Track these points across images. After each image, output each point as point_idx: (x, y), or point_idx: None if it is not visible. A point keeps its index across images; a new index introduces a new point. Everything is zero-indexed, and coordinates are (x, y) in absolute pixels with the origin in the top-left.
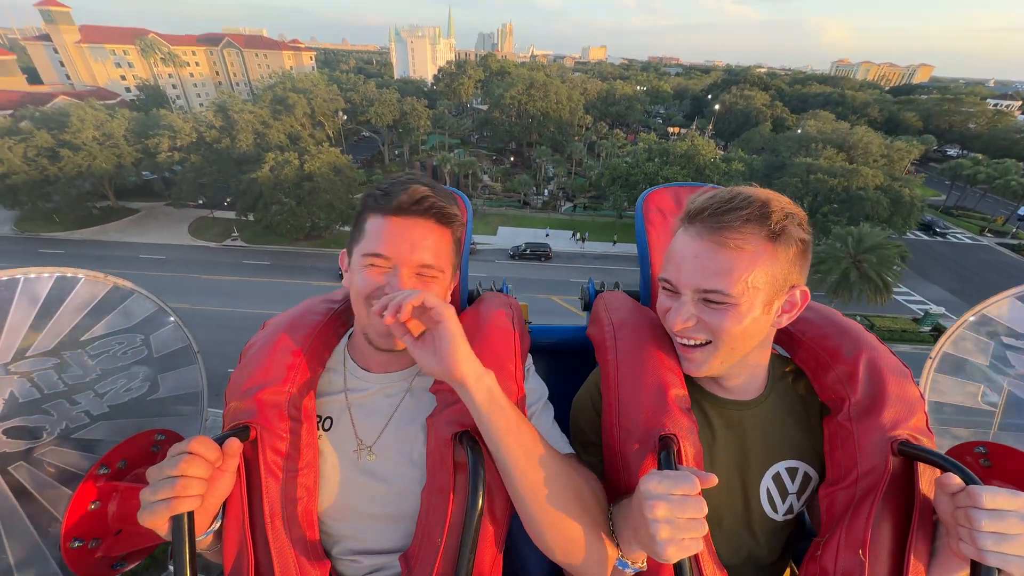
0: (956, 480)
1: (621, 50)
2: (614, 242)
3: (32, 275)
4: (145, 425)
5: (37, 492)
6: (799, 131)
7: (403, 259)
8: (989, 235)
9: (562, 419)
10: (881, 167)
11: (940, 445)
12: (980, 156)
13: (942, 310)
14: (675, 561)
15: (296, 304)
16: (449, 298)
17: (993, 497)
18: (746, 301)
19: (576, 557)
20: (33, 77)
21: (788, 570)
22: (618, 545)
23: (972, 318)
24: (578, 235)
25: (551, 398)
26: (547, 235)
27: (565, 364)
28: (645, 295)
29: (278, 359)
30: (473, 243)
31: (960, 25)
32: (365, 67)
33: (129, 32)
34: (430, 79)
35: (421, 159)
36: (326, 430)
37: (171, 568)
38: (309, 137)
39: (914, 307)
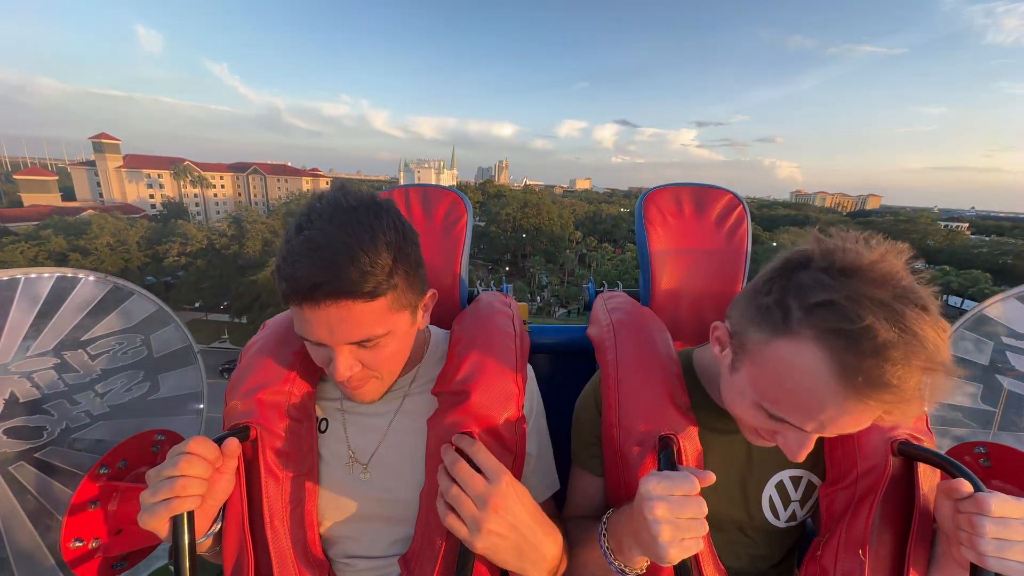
0: (965, 487)
1: (604, 181)
2: None
3: (32, 275)
4: (145, 425)
5: (37, 492)
6: (775, 244)
7: (331, 341)
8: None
9: (562, 419)
10: None
11: (940, 445)
12: (947, 267)
13: None
14: (677, 562)
15: None
16: (424, 318)
17: (1002, 505)
18: None
19: None
20: (68, 196)
21: (789, 572)
22: (606, 554)
23: (972, 318)
24: None
25: (551, 398)
26: None
27: (565, 364)
28: (645, 295)
29: (278, 359)
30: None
31: (895, 166)
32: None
33: (167, 160)
34: None
35: None
36: (323, 432)
37: (171, 569)
38: None
39: None
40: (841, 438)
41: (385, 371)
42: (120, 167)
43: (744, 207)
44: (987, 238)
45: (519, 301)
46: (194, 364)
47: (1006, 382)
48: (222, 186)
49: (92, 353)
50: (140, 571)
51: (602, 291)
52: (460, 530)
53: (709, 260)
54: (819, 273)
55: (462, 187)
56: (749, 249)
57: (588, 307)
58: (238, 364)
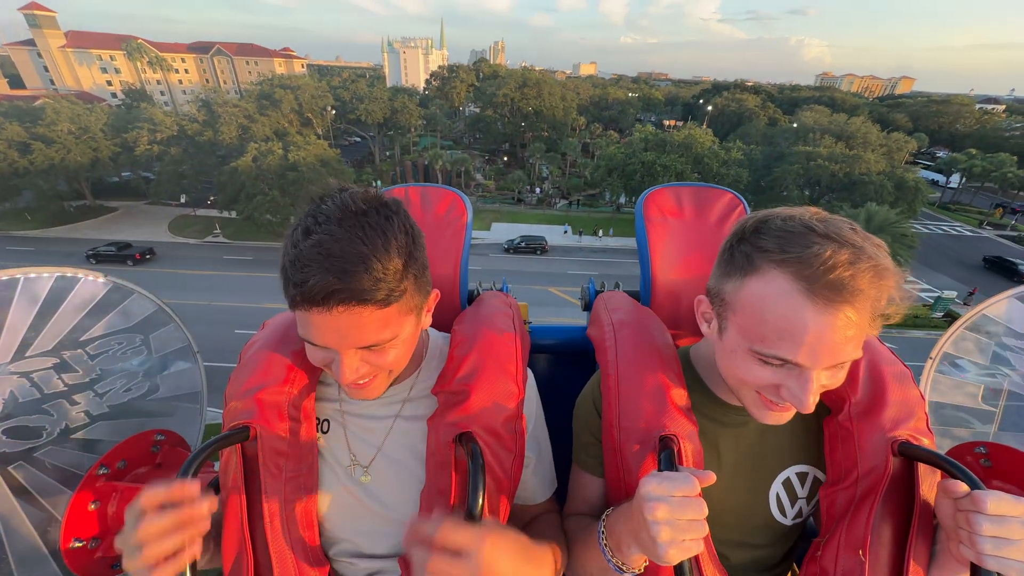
0: (962, 487)
1: (611, 66)
2: (599, 234)
3: (32, 275)
4: (145, 425)
5: (37, 492)
6: (795, 124)
7: (340, 346)
8: (988, 228)
9: (561, 420)
10: (881, 156)
11: (940, 445)
12: (973, 151)
13: (954, 295)
14: (676, 563)
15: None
16: (427, 317)
17: (998, 503)
18: None
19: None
20: (16, 84)
21: (791, 570)
22: (605, 552)
23: (972, 318)
24: (581, 232)
25: (551, 398)
26: (565, 232)
27: (565, 364)
28: (645, 295)
29: (278, 359)
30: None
31: (934, 44)
32: (358, 80)
33: (117, 39)
34: (422, 85)
35: (412, 159)
36: (323, 432)
37: None
38: (297, 134)
39: (923, 295)
40: (842, 438)
41: (389, 370)
42: (65, 46)
43: (744, 207)
44: (1021, 121)
45: (518, 191)
46: (194, 364)
47: (1006, 382)
48: (186, 71)
49: (92, 353)
50: None
51: (602, 291)
52: None
53: (709, 260)
54: (765, 223)
55: (453, 69)
56: None
57: (588, 307)
58: (239, 363)
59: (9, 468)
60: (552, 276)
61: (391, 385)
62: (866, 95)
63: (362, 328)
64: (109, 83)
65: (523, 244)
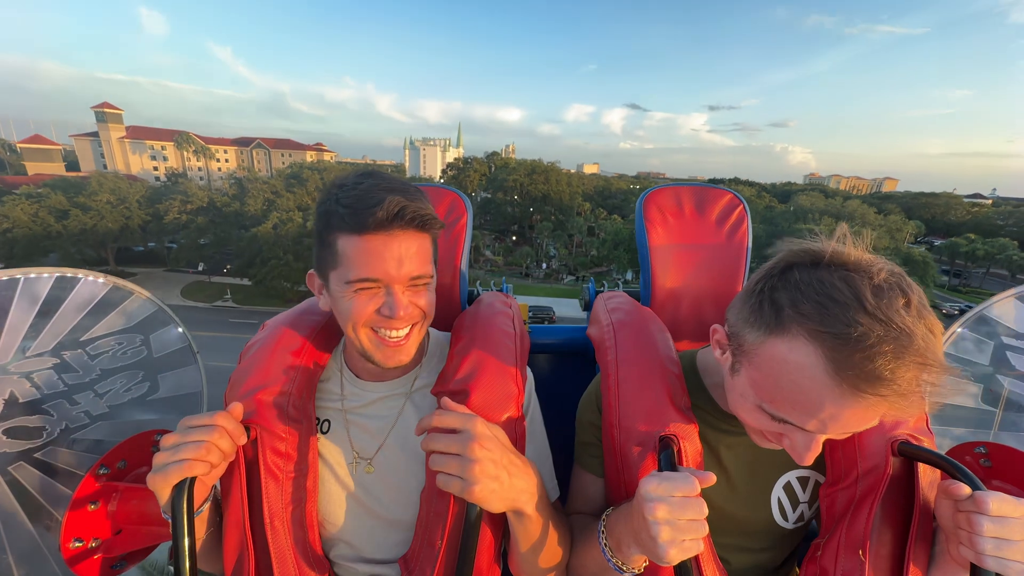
0: (964, 489)
1: (612, 167)
2: None
3: (32, 275)
4: (145, 425)
5: (37, 492)
6: (791, 208)
7: (394, 277)
8: None
9: (561, 420)
10: (883, 233)
11: (940, 445)
12: (972, 235)
13: None
14: (676, 563)
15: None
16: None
17: (999, 504)
18: None
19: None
20: (73, 168)
21: (793, 573)
22: (605, 552)
23: (972, 318)
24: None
25: (551, 398)
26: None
27: (565, 364)
28: (645, 295)
29: (278, 360)
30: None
31: (912, 151)
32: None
33: (170, 133)
34: (439, 178)
35: None
36: (324, 432)
37: (171, 569)
38: None
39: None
40: (841, 439)
41: (424, 319)
42: (123, 137)
43: (744, 207)
44: (1011, 212)
45: (526, 266)
46: (194, 364)
47: (1006, 382)
48: (226, 160)
49: (92, 353)
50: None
51: (602, 291)
52: (455, 487)
53: (709, 260)
54: (807, 271)
55: (468, 160)
56: (749, 249)
57: (588, 307)
58: (239, 365)
59: (9, 468)
60: None
61: (392, 380)
62: (854, 192)
63: (417, 255)
64: (156, 168)
65: (530, 314)
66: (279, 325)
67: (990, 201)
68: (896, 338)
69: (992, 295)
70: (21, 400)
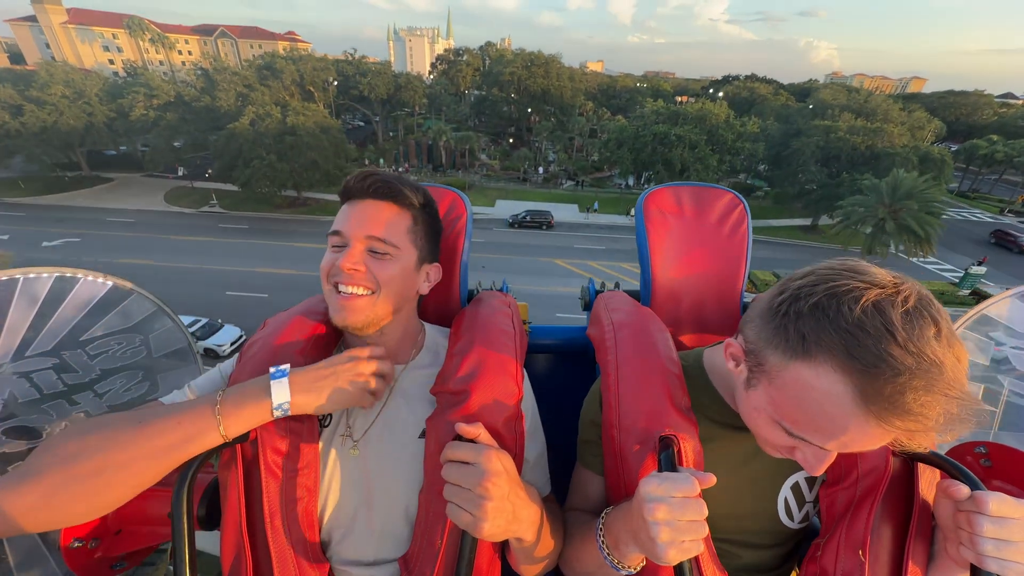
0: (963, 490)
1: (618, 65)
2: (629, 214)
3: (31, 275)
4: None
5: None
6: (811, 105)
7: (352, 233)
8: (1009, 215)
9: (561, 420)
10: (905, 130)
11: (940, 445)
12: (995, 137)
13: (983, 271)
14: (676, 563)
15: (277, 262)
16: (424, 285)
17: (1000, 504)
18: None
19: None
20: (18, 61)
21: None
22: (606, 551)
23: (972, 318)
24: (590, 207)
25: (551, 398)
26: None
27: (565, 364)
28: (645, 295)
29: (279, 359)
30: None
31: (946, 48)
32: (362, 58)
33: (119, 17)
34: (428, 77)
35: (416, 138)
36: (324, 426)
37: (171, 568)
38: (298, 105)
39: (946, 275)
40: None
41: (380, 289)
42: (66, 23)
43: (744, 206)
44: None
45: (523, 171)
46: (194, 364)
47: (1006, 382)
48: (189, 52)
49: (91, 353)
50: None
51: (602, 291)
52: (465, 520)
53: (710, 259)
54: (835, 297)
55: (459, 53)
56: (750, 248)
57: (588, 307)
58: (238, 362)
59: (9, 468)
60: (558, 249)
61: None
62: (877, 93)
63: (375, 218)
64: (111, 62)
65: (528, 218)
66: (280, 324)
67: (1022, 101)
68: (927, 371)
69: (1000, 201)
70: (21, 400)
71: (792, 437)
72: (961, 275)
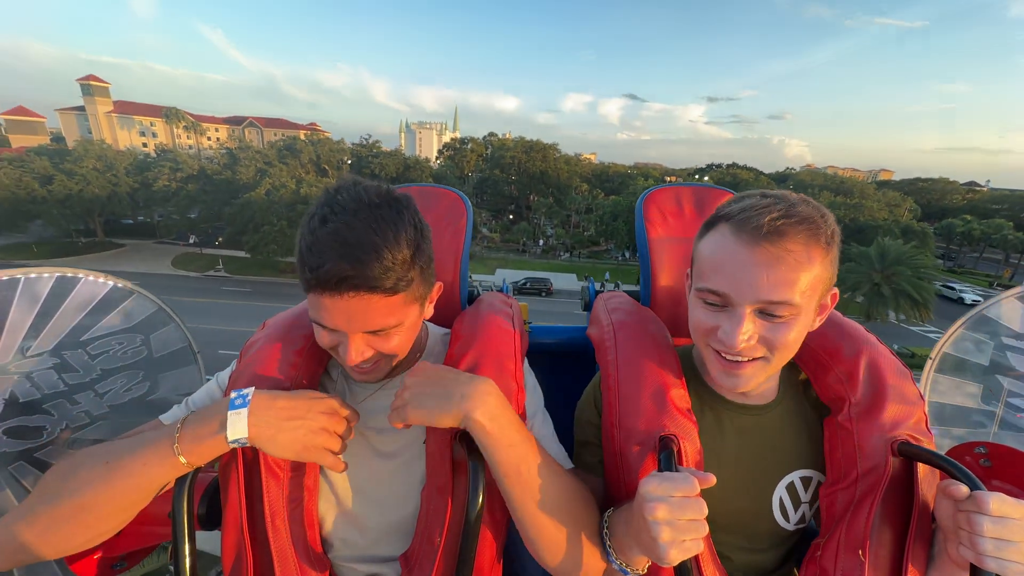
0: (963, 490)
1: (609, 157)
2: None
3: (32, 275)
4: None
5: None
6: (791, 186)
7: (347, 329)
8: (999, 289)
9: (561, 420)
10: (883, 206)
11: (940, 445)
12: (968, 217)
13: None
14: (677, 563)
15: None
16: (430, 308)
17: (1000, 504)
18: (806, 309)
19: (567, 566)
20: (58, 142)
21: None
22: (611, 552)
23: (972, 318)
24: (588, 277)
25: (551, 398)
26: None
27: (565, 364)
28: (645, 295)
29: (279, 358)
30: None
31: (907, 146)
32: (376, 142)
33: (159, 108)
34: (435, 164)
35: None
36: None
37: (171, 568)
38: (313, 179)
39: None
40: (841, 438)
41: (392, 355)
42: (111, 112)
43: None
44: (1006, 197)
45: (523, 242)
46: (194, 364)
47: (1006, 382)
48: (218, 138)
49: (92, 353)
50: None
51: (602, 291)
52: (398, 416)
53: None
54: (739, 195)
55: (465, 141)
56: None
57: (588, 307)
58: (238, 363)
59: (9, 468)
60: (557, 315)
61: (391, 377)
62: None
63: (369, 313)
64: (145, 145)
65: (527, 284)
66: (280, 324)
67: (986, 189)
68: (776, 202)
69: (987, 276)
70: (21, 400)
71: (708, 305)
72: None
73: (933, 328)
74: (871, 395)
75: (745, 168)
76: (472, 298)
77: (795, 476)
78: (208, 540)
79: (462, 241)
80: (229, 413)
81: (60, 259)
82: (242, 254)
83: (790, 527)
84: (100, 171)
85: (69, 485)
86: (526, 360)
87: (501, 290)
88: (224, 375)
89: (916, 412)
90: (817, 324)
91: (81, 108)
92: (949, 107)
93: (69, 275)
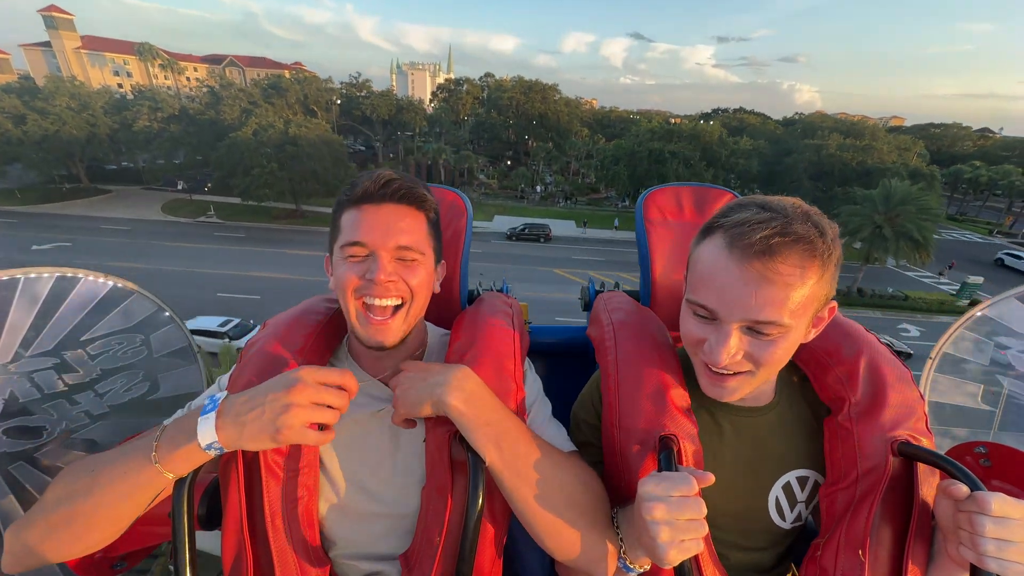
0: (963, 489)
1: (611, 103)
2: (613, 227)
3: (32, 275)
4: (145, 425)
5: (37, 492)
6: (799, 129)
7: (379, 244)
8: (999, 236)
9: (561, 420)
10: (893, 148)
11: (940, 445)
12: (977, 163)
13: (980, 280)
14: (676, 563)
15: (277, 268)
16: (436, 284)
17: (1001, 504)
18: (795, 327)
19: (575, 555)
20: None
21: (789, 571)
22: (622, 547)
23: (972, 318)
24: (586, 222)
25: (551, 398)
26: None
27: (565, 364)
28: (645, 295)
29: (279, 359)
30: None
31: (921, 92)
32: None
33: (131, 45)
34: (429, 108)
35: (416, 159)
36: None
37: (171, 568)
38: (301, 119)
39: (944, 287)
40: (842, 438)
41: (413, 298)
42: (79, 48)
43: None
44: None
45: (521, 189)
46: (194, 364)
47: (1006, 382)
48: (198, 80)
49: (92, 353)
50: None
51: (602, 291)
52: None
53: None
54: (736, 202)
55: (460, 82)
56: None
57: (588, 307)
58: (238, 364)
59: (9, 468)
60: (556, 260)
61: (390, 375)
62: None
63: (401, 225)
64: (120, 86)
65: (526, 231)
66: (280, 324)
67: (998, 136)
68: (772, 217)
69: (988, 223)
70: (21, 400)
71: (698, 318)
72: (959, 287)
73: (928, 273)
74: (871, 395)
75: (752, 113)
76: (472, 298)
77: (791, 476)
78: (208, 540)
79: (462, 241)
80: (200, 419)
81: (47, 205)
82: (234, 200)
83: (786, 526)
84: (75, 110)
85: (61, 494)
86: (528, 360)
87: (501, 290)
88: (225, 378)
89: (916, 412)
90: (812, 336)
91: (47, 44)
92: (968, 48)
93: (69, 275)
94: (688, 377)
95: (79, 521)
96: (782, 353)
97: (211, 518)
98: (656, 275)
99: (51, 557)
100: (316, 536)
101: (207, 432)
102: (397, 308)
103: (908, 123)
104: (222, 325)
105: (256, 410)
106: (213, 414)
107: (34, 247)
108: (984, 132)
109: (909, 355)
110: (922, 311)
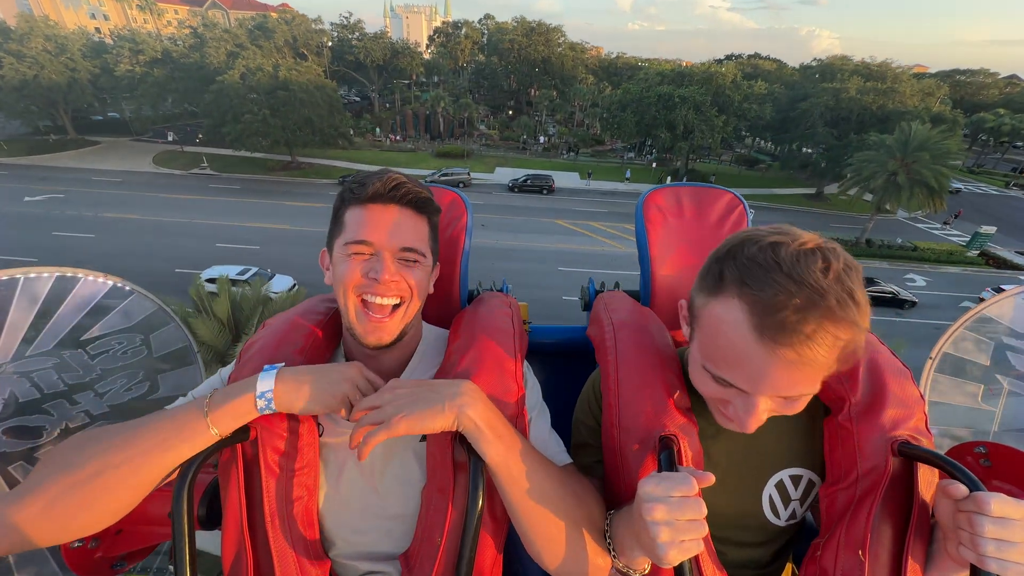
0: (963, 489)
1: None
2: (624, 179)
3: (32, 275)
4: None
5: None
6: (817, 75)
7: (385, 244)
8: (1015, 188)
9: (561, 420)
10: (916, 91)
11: (940, 445)
12: (1002, 110)
13: (993, 230)
14: (676, 564)
15: (268, 221)
16: (431, 286)
17: (1001, 505)
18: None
19: (567, 567)
20: None
21: (788, 569)
22: (613, 554)
23: (972, 318)
24: (591, 174)
25: (551, 399)
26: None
27: (565, 364)
28: (645, 295)
29: (278, 359)
30: (469, 177)
31: (948, 39)
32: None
33: None
34: (426, 54)
35: (413, 108)
36: (322, 434)
37: (171, 568)
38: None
39: (954, 239)
40: (841, 438)
41: (412, 297)
42: None
43: (744, 206)
44: None
45: (523, 139)
46: (194, 364)
47: (1006, 382)
48: (179, 21)
49: (92, 353)
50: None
51: (602, 291)
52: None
53: None
54: (752, 246)
55: (458, 25)
56: None
57: (588, 307)
58: (237, 362)
59: (9, 468)
60: (559, 211)
61: (387, 374)
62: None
63: (405, 228)
64: (97, 30)
65: (528, 182)
66: (280, 324)
67: None
68: (808, 296)
69: (1005, 175)
70: (21, 400)
71: (719, 384)
72: (969, 237)
73: (936, 224)
74: (871, 395)
75: (768, 59)
76: (471, 298)
77: (784, 475)
78: (208, 540)
79: (462, 241)
80: (261, 374)
81: (36, 156)
82: (227, 152)
83: (781, 523)
84: (53, 54)
85: (87, 450)
86: (527, 364)
87: (501, 289)
88: (227, 371)
89: (916, 412)
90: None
91: None
92: None
93: (69, 275)
94: (688, 377)
95: (107, 473)
96: (800, 404)
97: (211, 518)
98: (656, 275)
99: (56, 530)
100: (316, 535)
101: (267, 381)
102: (396, 307)
103: (932, 71)
104: (240, 274)
105: (318, 375)
106: (274, 371)
107: (27, 198)
108: (1012, 79)
109: (914, 303)
110: (930, 261)
